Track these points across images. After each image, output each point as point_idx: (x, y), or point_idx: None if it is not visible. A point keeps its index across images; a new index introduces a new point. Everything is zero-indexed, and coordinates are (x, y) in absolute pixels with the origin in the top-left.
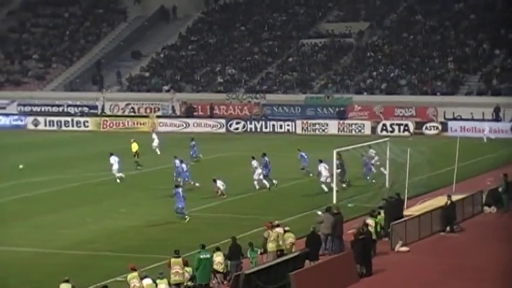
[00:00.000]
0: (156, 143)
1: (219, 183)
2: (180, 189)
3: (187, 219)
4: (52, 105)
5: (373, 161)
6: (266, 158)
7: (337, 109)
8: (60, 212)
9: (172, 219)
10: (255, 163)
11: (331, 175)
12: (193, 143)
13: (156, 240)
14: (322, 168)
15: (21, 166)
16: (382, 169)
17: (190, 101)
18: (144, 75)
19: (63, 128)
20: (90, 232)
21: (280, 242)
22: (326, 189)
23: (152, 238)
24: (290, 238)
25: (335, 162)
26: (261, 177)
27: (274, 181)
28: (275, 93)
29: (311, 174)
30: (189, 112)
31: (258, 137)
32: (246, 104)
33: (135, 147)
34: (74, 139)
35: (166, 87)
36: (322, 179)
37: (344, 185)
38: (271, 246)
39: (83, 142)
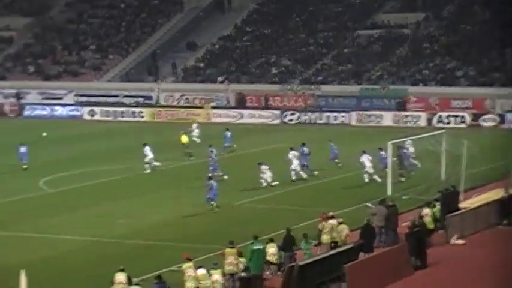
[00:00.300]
0: (196, 133)
1: (264, 168)
2: (213, 181)
3: (215, 211)
4: (108, 96)
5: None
6: (305, 148)
7: (396, 100)
8: (117, 201)
9: (226, 210)
10: (290, 155)
11: (374, 166)
12: (228, 133)
13: (210, 231)
14: (365, 159)
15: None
16: (415, 161)
17: (244, 92)
18: (199, 66)
19: (119, 118)
20: (145, 222)
21: (335, 234)
22: (379, 179)
23: (207, 228)
24: (345, 230)
25: (390, 154)
26: (298, 168)
27: (315, 172)
28: (330, 84)
29: (339, 165)
30: (241, 102)
31: (312, 129)
32: (301, 95)
33: (184, 139)
34: (129, 129)
35: (220, 78)
36: (366, 169)
37: (403, 178)
38: (325, 238)
39: (138, 132)
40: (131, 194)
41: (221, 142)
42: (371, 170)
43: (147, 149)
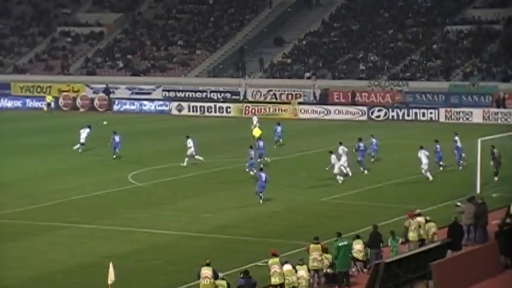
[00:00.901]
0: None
1: (333, 158)
2: (263, 173)
3: (261, 203)
4: (195, 91)
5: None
6: (361, 144)
7: (490, 97)
8: (203, 196)
9: (313, 206)
10: (340, 150)
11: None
12: (279, 128)
13: (297, 227)
14: (422, 155)
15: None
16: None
17: (332, 88)
18: (286, 62)
19: (206, 113)
20: (232, 216)
21: (422, 231)
22: (431, 178)
23: (294, 224)
24: (433, 228)
25: (479, 151)
26: (345, 164)
27: (364, 171)
28: (418, 80)
29: (372, 160)
30: (323, 98)
31: (400, 125)
32: (389, 92)
33: (257, 132)
34: (216, 125)
35: (307, 74)
36: (423, 166)
37: (496, 178)
38: (412, 235)
39: (226, 128)
40: (217, 188)
41: (272, 136)
42: (425, 167)
43: (189, 141)
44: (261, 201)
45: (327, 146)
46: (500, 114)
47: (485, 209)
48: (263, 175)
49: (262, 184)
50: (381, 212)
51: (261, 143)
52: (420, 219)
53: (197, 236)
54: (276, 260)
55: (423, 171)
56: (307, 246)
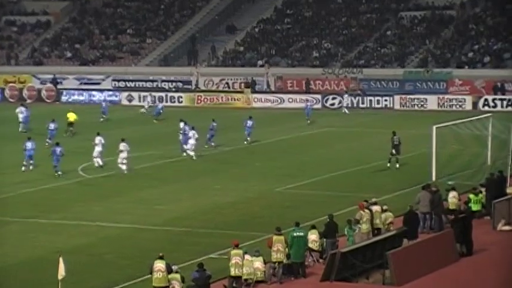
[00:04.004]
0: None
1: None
2: (58, 148)
3: (58, 176)
4: (146, 81)
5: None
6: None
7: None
8: (156, 188)
9: (268, 196)
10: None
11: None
12: (104, 103)
13: (252, 217)
14: (192, 135)
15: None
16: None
17: (285, 76)
18: (239, 50)
19: (157, 103)
20: (185, 208)
21: (378, 221)
22: (194, 157)
23: (247, 215)
24: (390, 218)
25: (434, 139)
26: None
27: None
28: (372, 67)
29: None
30: (252, 86)
31: (354, 113)
32: (343, 79)
33: (72, 116)
34: (168, 114)
35: (260, 62)
36: (188, 146)
37: (388, 164)
38: (364, 227)
39: (177, 117)
40: (168, 181)
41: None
42: (189, 147)
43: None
44: (57, 173)
45: (281, 136)
46: (455, 100)
47: (440, 196)
48: (58, 149)
49: (57, 158)
50: (337, 201)
51: (52, 125)
52: (376, 207)
53: (150, 228)
54: (240, 251)
55: (188, 151)
56: (270, 238)
